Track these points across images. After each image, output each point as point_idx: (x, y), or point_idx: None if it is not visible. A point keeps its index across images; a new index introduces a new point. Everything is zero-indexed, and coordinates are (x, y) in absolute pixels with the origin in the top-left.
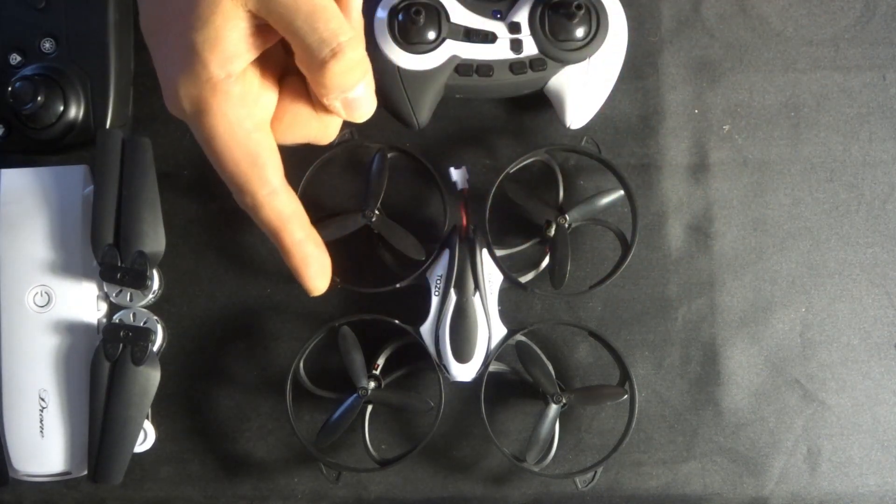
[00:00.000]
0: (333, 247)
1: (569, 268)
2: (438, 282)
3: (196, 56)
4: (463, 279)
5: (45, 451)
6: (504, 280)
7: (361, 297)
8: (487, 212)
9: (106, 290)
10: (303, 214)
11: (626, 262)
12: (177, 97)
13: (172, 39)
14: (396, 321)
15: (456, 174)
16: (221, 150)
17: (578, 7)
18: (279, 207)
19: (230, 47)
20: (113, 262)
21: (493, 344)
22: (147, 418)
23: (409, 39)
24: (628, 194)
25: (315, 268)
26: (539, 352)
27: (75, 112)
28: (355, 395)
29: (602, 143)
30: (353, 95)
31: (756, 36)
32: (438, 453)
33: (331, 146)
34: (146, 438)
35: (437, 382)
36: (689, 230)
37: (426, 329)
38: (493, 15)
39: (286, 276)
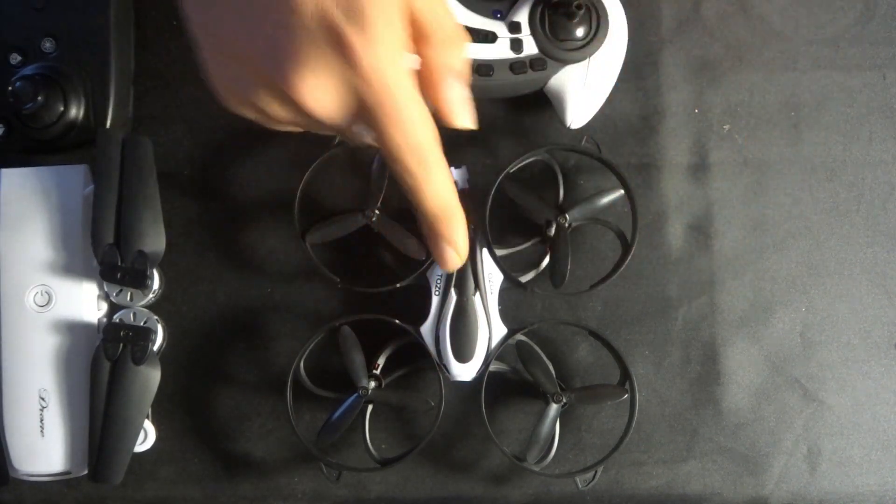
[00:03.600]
0: (333, 247)
1: (569, 267)
2: (438, 281)
3: None
4: (463, 279)
5: (46, 451)
6: (504, 280)
7: (361, 297)
8: (487, 212)
9: (106, 289)
10: None
11: (627, 262)
12: None
13: None
14: (397, 321)
15: (456, 174)
16: None
17: (578, 7)
18: None
19: None
20: (113, 262)
21: (494, 343)
22: (147, 418)
23: None
24: (628, 194)
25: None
26: (539, 351)
27: (75, 112)
28: (356, 395)
29: (602, 142)
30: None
31: (756, 36)
32: (438, 453)
33: (331, 146)
34: (146, 438)
35: (438, 382)
36: (689, 230)
37: (426, 329)
38: (494, 14)
39: (286, 275)
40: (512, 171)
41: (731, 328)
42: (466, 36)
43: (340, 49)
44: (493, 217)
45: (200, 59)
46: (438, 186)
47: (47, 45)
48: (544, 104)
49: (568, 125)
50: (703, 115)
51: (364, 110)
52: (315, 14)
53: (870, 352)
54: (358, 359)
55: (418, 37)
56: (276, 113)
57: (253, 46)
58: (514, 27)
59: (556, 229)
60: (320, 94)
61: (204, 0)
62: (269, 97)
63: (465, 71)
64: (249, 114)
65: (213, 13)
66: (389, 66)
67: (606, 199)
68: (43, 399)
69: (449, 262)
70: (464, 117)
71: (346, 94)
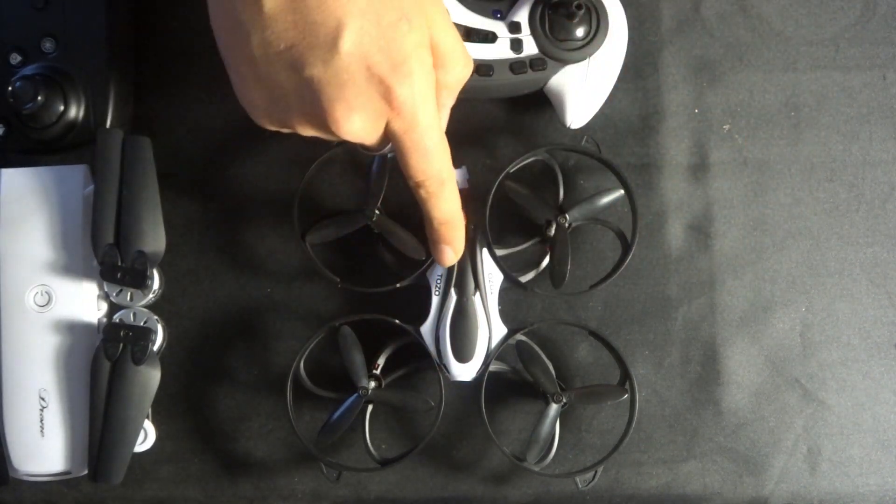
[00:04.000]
0: (333, 247)
1: (569, 267)
2: (438, 281)
3: None
4: (463, 279)
5: (46, 451)
6: (504, 280)
7: (361, 297)
8: (487, 212)
9: (106, 289)
10: None
11: (627, 262)
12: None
13: None
14: (397, 321)
15: (456, 174)
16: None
17: (578, 7)
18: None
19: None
20: (113, 262)
21: (494, 343)
22: (147, 418)
23: None
24: (628, 194)
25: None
26: (539, 351)
27: (75, 112)
28: (356, 395)
29: (602, 142)
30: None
31: (756, 36)
32: (438, 453)
33: (331, 146)
34: (146, 438)
35: (438, 382)
36: (689, 230)
37: (426, 329)
38: (494, 14)
39: (286, 275)
40: (512, 171)
41: (731, 328)
42: (471, 62)
43: (387, 97)
44: (493, 217)
45: (232, 82)
46: (449, 202)
47: (47, 45)
48: (544, 104)
49: (568, 125)
50: (703, 115)
51: (393, 139)
52: (362, 64)
53: (870, 352)
54: (358, 359)
55: (434, 61)
56: (308, 133)
57: (291, 79)
58: (514, 27)
59: (556, 229)
60: (358, 128)
61: (240, 37)
62: (304, 123)
63: (458, 91)
64: (275, 128)
65: (251, 49)
66: (423, 105)
67: (606, 199)
68: (43, 399)
69: (447, 260)
70: (443, 125)
71: (380, 125)
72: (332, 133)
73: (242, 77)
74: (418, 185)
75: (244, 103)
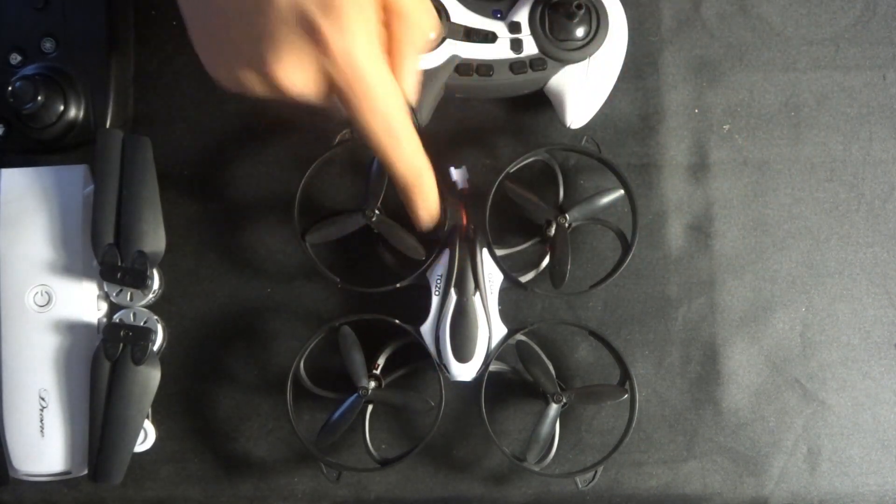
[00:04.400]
0: (333, 247)
1: (569, 267)
2: (439, 281)
3: None
4: (463, 279)
5: (46, 451)
6: (504, 280)
7: (361, 297)
8: (487, 212)
9: (106, 289)
10: None
11: (627, 262)
12: None
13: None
14: (397, 321)
15: (456, 174)
16: None
17: (579, 7)
18: None
19: None
20: (113, 262)
21: (494, 343)
22: (147, 418)
23: None
24: (628, 194)
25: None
26: (539, 351)
27: (75, 112)
28: (356, 395)
29: (602, 142)
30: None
31: (756, 36)
32: (438, 453)
33: (331, 146)
34: (146, 438)
35: (438, 382)
36: (689, 230)
37: (426, 329)
38: (494, 14)
39: (286, 275)
40: (512, 171)
41: (731, 328)
42: (436, 21)
43: (313, 36)
44: (493, 217)
45: (189, 34)
46: (407, 155)
47: (47, 45)
48: (544, 104)
49: (568, 125)
50: (703, 115)
51: (335, 89)
52: (294, 11)
53: (870, 352)
54: (358, 359)
55: (390, 17)
56: (257, 88)
57: (235, 29)
58: (514, 27)
59: (556, 229)
60: (294, 76)
61: None
62: (249, 74)
63: (424, 50)
64: (233, 87)
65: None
66: (358, 49)
67: (606, 199)
68: (43, 399)
69: (422, 223)
70: (410, 90)
71: (319, 75)
72: (274, 88)
73: (197, 30)
74: (369, 138)
75: (201, 58)
